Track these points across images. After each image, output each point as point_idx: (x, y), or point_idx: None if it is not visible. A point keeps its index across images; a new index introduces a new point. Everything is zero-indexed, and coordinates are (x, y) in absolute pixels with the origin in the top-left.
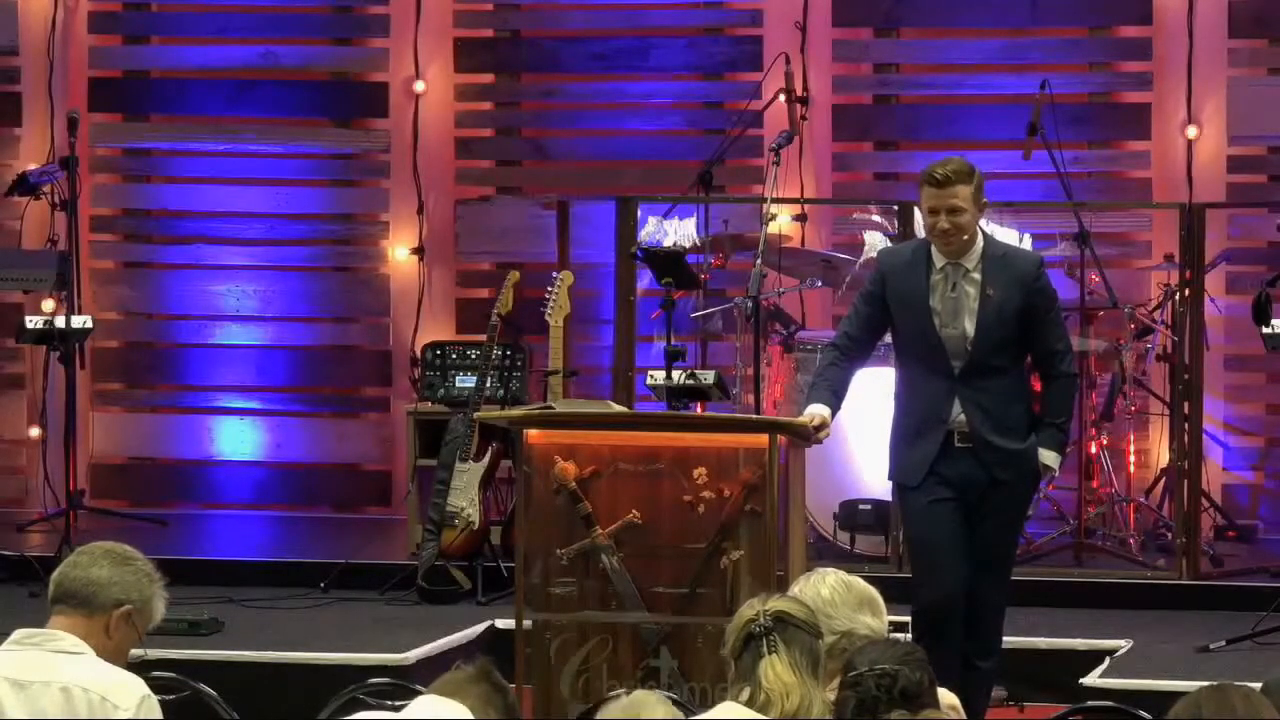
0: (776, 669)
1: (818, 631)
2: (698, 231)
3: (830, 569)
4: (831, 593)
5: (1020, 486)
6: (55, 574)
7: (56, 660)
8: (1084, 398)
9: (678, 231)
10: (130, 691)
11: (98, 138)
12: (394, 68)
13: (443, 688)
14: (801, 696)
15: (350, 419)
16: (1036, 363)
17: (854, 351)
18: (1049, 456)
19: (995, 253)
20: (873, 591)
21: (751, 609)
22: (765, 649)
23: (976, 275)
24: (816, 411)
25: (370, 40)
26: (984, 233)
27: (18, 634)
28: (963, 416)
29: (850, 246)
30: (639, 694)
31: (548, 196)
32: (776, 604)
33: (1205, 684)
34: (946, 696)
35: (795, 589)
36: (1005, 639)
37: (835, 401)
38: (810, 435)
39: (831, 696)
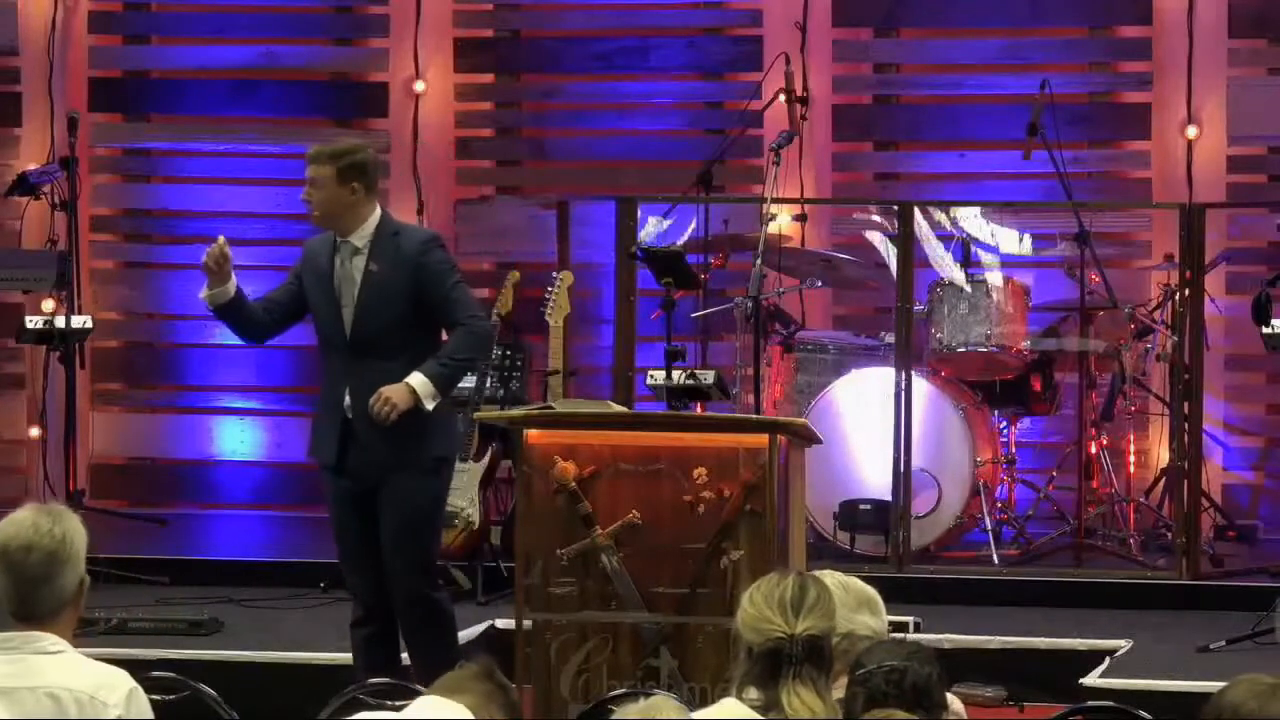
0: (805, 699)
1: None
2: (697, 232)
3: (828, 570)
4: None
5: (410, 477)
6: (6, 602)
7: (40, 663)
8: (1084, 398)
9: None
10: (116, 687)
11: (98, 138)
12: (394, 68)
13: (444, 686)
14: (825, 717)
15: None
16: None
17: (269, 306)
18: (415, 379)
19: (387, 231)
20: (871, 592)
21: (785, 621)
22: (792, 676)
23: (365, 253)
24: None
25: (370, 40)
26: (384, 214)
27: None
28: (348, 399)
29: (850, 246)
30: (657, 699)
31: (547, 196)
32: (808, 625)
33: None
34: (953, 702)
35: None
36: (1005, 639)
37: (240, 293)
38: None
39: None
